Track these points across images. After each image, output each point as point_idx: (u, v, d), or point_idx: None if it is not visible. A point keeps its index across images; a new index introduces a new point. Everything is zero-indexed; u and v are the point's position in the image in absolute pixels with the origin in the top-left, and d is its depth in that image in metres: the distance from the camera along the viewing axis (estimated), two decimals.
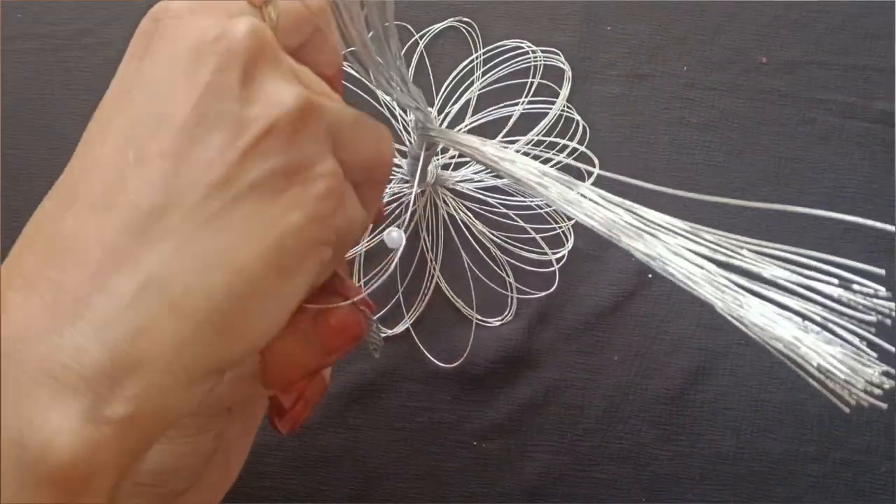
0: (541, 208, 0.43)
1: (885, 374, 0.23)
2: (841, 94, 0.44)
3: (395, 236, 0.31)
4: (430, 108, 0.31)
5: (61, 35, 0.44)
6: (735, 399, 0.42)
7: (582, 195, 0.26)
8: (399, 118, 0.43)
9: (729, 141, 0.43)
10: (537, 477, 0.41)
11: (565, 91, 0.43)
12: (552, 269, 0.42)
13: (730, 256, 0.24)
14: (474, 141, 0.29)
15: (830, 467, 0.42)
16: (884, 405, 0.23)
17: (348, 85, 0.43)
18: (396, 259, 0.28)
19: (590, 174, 0.42)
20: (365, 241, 0.42)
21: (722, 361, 0.42)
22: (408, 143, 0.43)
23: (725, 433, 0.42)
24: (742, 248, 0.24)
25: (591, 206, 0.26)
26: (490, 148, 0.28)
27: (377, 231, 0.42)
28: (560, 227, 0.42)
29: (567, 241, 0.42)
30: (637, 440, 0.42)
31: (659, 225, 0.26)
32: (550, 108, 0.43)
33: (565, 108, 0.43)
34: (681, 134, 0.44)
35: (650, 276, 0.43)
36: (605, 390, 0.42)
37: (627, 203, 0.27)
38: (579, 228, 0.43)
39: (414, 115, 0.31)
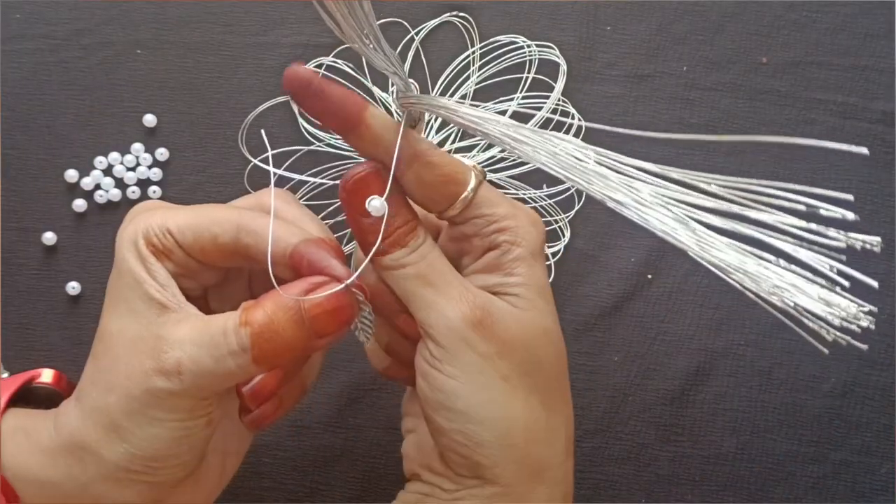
0: (535, 202, 0.43)
1: (865, 311, 0.23)
2: (841, 94, 0.44)
3: (376, 204, 0.30)
4: (410, 80, 0.31)
5: (60, 35, 0.43)
6: (735, 400, 0.42)
7: (557, 147, 0.26)
8: (395, 114, 0.43)
9: (729, 141, 0.43)
10: None
11: (560, 85, 0.43)
12: (548, 262, 0.42)
13: (699, 197, 0.24)
14: (451, 103, 0.29)
15: (830, 468, 0.42)
16: (864, 346, 0.23)
17: (341, 80, 0.43)
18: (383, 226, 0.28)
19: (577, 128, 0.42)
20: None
21: (722, 362, 0.42)
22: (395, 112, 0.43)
23: (725, 434, 0.42)
24: (710, 183, 0.24)
25: (567, 158, 0.26)
26: (466, 108, 0.28)
27: None
28: (557, 222, 0.42)
29: (563, 236, 0.42)
30: (637, 441, 0.42)
31: (630, 166, 0.25)
32: (545, 103, 0.43)
33: (560, 102, 0.43)
34: (680, 134, 0.43)
35: (650, 276, 0.43)
36: (605, 391, 0.42)
37: (596, 148, 0.26)
38: (575, 226, 0.43)
39: (393, 84, 0.31)
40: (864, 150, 0.22)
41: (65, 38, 0.43)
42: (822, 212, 0.23)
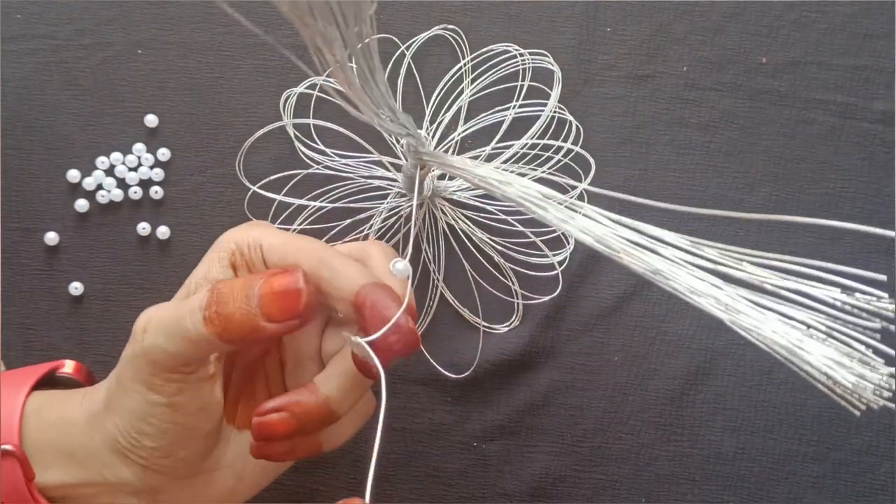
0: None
1: (892, 375, 0.23)
2: (841, 94, 0.44)
3: (400, 267, 0.32)
4: (420, 131, 0.31)
5: (61, 35, 0.44)
6: (735, 399, 0.42)
7: (578, 213, 0.27)
8: (405, 158, 0.43)
9: (729, 141, 0.43)
10: (537, 478, 0.42)
11: (556, 92, 0.43)
12: (555, 272, 0.42)
13: (731, 268, 0.24)
14: (467, 164, 0.29)
15: (830, 468, 0.42)
16: (894, 405, 0.23)
17: (335, 100, 0.43)
18: (408, 295, 0.29)
19: (576, 189, 0.42)
20: None
21: (722, 362, 0.42)
22: (401, 155, 0.42)
23: (725, 433, 0.42)
24: (742, 260, 0.24)
25: (588, 224, 0.26)
26: (483, 170, 0.28)
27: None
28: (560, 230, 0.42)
29: (567, 242, 0.42)
30: (637, 441, 0.42)
31: (659, 239, 0.26)
32: (542, 111, 0.43)
33: (557, 109, 0.43)
34: (681, 134, 0.44)
35: (666, 289, 0.43)
36: (606, 391, 0.42)
37: (626, 220, 0.27)
38: None
39: (405, 140, 0.31)
40: (882, 277, 0.23)
41: (66, 39, 0.44)
42: (857, 296, 0.23)
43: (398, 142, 0.42)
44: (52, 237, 0.43)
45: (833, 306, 0.23)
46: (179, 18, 0.44)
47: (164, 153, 0.43)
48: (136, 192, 0.43)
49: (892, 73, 0.44)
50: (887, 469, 0.42)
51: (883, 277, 0.23)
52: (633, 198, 0.27)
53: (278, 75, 0.44)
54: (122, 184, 0.43)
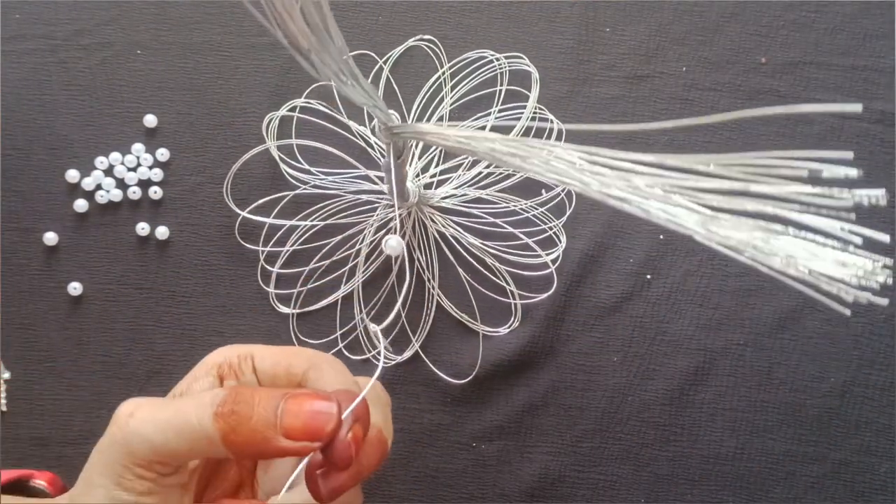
0: (526, 212, 0.43)
1: (876, 262, 0.22)
2: (840, 94, 0.44)
3: (393, 244, 0.32)
4: (392, 112, 0.31)
5: (60, 35, 0.44)
6: (734, 399, 0.42)
7: (549, 153, 0.26)
8: (374, 146, 0.43)
9: (729, 141, 0.43)
10: (537, 478, 0.41)
11: (535, 93, 0.43)
12: (549, 270, 0.42)
13: (698, 177, 0.24)
14: (434, 127, 0.29)
15: (830, 468, 0.42)
16: (884, 301, 0.22)
17: (318, 121, 0.43)
18: (395, 270, 0.29)
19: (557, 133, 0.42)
20: (361, 270, 0.42)
21: (721, 362, 0.42)
22: (380, 158, 0.42)
23: (725, 434, 0.42)
24: (709, 164, 0.24)
25: (558, 164, 0.26)
26: (452, 131, 0.28)
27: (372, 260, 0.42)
28: (551, 229, 0.42)
29: (560, 241, 0.42)
30: (636, 441, 0.42)
31: (625, 160, 0.25)
32: (523, 112, 0.43)
33: (537, 110, 0.43)
34: (680, 135, 0.43)
35: (649, 276, 0.43)
36: (605, 391, 0.42)
37: (588, 148, 0.26)
38: (572, 229, 0.43)
39: (375, 118, 0.31)
40: (849, 154, 0.22)
41: (65, 39, 0.44)
42: (825, 174, 0.22)
43: (382, 156, 0.42)
44: (51, 237, 0.43)
45: (801, 193, 0.23)
46: (179, 19, 0.44)
47: (163, 153, 0.43)
48: (135, 193, 0.43)
49: (892, 73, 0.44)
50: (887, 469, 0.42)
51: (849, 154, 0.22)
52: (601, 126, 0.27)
53: (277, 75, 0.44)
54: (121, 184, 0.43)
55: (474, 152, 0.28)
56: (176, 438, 0.27)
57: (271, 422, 0.27)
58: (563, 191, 0.43)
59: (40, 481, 0.35)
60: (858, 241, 0.23)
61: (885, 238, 0.22)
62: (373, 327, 0.34)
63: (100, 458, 0.28)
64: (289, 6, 0.24)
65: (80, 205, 0.43)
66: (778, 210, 0.23)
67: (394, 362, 0.42)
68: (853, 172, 0.22)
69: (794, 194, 0.23)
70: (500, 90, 0.43)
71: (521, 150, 0.27)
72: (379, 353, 0.35)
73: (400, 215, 0.41)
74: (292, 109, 0.43)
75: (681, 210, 0.24)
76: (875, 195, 0.22)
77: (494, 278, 0.42)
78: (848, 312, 0.23)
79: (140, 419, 0.27)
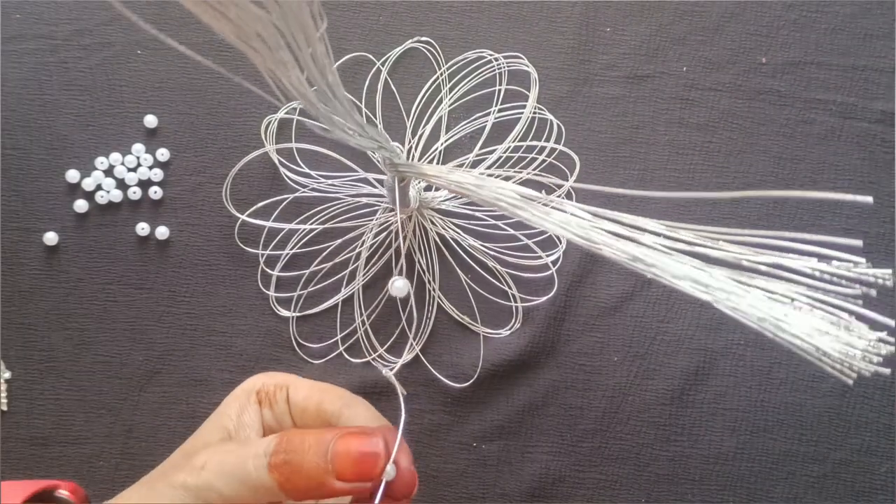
0: None
1: (880, 340, 0.23)
2: (841, 94, 0.44)
3: (400, 285, 0.32)
4: (395, 144, 0.31)
5: (60, 35, 0.43)
6: (734, 399, 0.42)
7: (555, 209, 0.27)
8: (381, 177, 0.43)
9: (729, 141, 0.43)
10: (537, 478, 0.42)
11: (534, 93, 0.43)
12: (549, 272, 0.42)
13: (708, 248, 0.24)
14: (441, 170, 0.29)
15: (830, 467, 0.42)
16: (887, 370, 0.23)
17: (318, 123, 0.43)
18: (395, 272, 0.30)
19: (560, 188, 0.42)
20: (361, 273, 0.42)
21: (721, 362, 0.42)
22: (384, 169, 0.42)
23: (725, 433, 0.42)
24: (719, 238, 0.24)
25: (565, 219, 0.26)
26: (456, 176, 0.28)
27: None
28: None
29: (560, 242, 0.42)
30: (637, 441, 0.42)
31: (637, 227, 0.26)
32: (522, 113, 0.43)
33: (536, 110, 0.43)
34: (680, 134, 0.43)
35: (649, 276, 0.43)
36: (605, 391, 0.42)
37: (601, 211, 0.27)
38: None
39: (379, 154, 0.31)
40: (869, 200, 0.23)
41: (65, 39, 0.44)
42: (834, 263, 0.23)
43: (375, 155, 0.42)
44: (51, 237, 0.43)
45: (812, 276, 0.23)
46: (178, 19, 0.44)
47: (163, 153, 0.43)
48: (135, 193, 0.43)
49: (892, 73, 0.44)
50: (887, 469, 0.42)
51: (858, 243, 0.23)
52: (614, 189, 0.27)
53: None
54: (122, 184, 0.43)
55: (480, 199, 0.28)
56: (241, 489, 0.29)
57: (323, 467, 0.28)
58: (563, 193, 0.43)
59: (64, 492, 0.35)
60: (864, 326, 0.23)
61: (890, 322, 0.23)
62: (386, 371, 0.35)
63: (186, 495, 0.29)
64: (297, 81, 0.24)
65: (81, 205, 0.43)
66: (787, 289, 0.23)
67: (396, 366, 0.42)
68: (862, 263, 0.23)
69: (806, 269, 0.24)
70: (500, 90, 0.43)
71: (527, 204, 0.27)
72: (392, 368, 0.36)
73: (400, 219, 0.41)
74: (291, 111, 0.43)
75: (688, 272, 0.24)
76: (883, 275, 0.23)
77: (495, 280, 0.42)
78: (850, 382, 0.24)
79: (210, 472, 0.29)
